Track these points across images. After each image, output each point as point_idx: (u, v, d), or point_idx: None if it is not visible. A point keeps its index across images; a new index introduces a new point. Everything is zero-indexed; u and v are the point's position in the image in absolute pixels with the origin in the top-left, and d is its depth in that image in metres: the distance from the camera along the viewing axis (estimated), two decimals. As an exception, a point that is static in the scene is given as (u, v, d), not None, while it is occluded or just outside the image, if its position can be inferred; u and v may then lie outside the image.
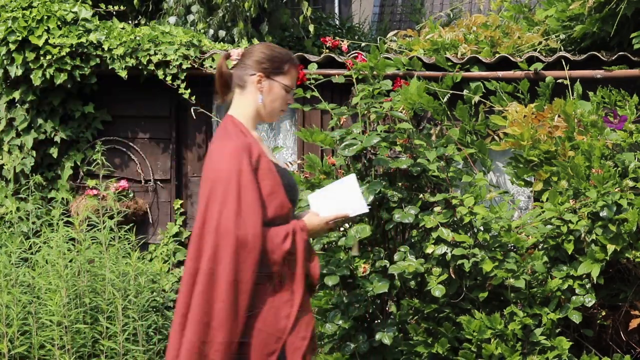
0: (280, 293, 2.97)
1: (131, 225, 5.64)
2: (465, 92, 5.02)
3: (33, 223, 5.79)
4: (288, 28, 7.07)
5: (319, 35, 6.97)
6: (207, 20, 6.37)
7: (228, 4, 6.31)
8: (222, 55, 3.17)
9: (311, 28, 6.65)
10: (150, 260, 5.84)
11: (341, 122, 4.48)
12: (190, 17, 6.38)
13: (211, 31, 6.34)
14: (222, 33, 6.37)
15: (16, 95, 5.89)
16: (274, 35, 6.70)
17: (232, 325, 2.88)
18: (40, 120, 5.95)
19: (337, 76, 4.51)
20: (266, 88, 3.08)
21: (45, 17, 5.73)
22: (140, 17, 6.67)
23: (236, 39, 6.30)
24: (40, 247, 5.31)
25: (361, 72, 4.40)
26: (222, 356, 2.88)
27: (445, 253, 4.12)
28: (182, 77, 5.72)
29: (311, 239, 3.16)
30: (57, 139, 5.96)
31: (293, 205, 3.08)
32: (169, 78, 5.71)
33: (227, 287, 2.86)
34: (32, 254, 5.32)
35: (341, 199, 3.11)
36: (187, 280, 2.95)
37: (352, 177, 3.13)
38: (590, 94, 4.70)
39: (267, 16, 6.58)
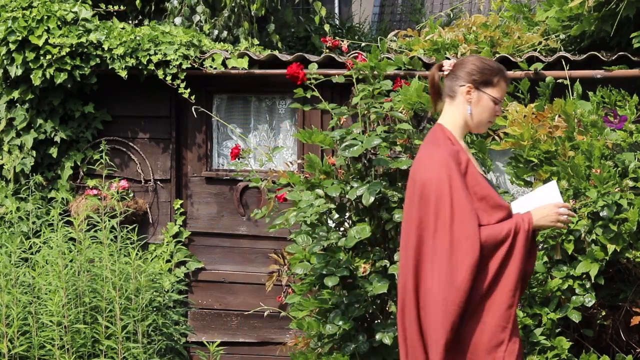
0: (501, 286, 3.03)
1: (134, 226, 5.64)
2: (465, 92, 5.01)
3: (33, 223, 5.79)
4: (289, 28, 7.09)
5: (320, 34, 7.00)
6: (213, 20, 6.38)
7: (234, 4, 6.32)
8: (435, 66, 3.24)
9: (327, 28, 6.72)
10: (151, 260, 5.84)
11: (341, 122, 4.47)
12: (196, 18, 6.38)
13: (216, 31, 6.35)
14: (226, 33, 6.38)
15: (16, 95, 5.89)
16: (280, 34, 6.72)
17: (447, 323, 2.96)
18: (40, 120, 5.95)
19: (337, 76, 4.50)
20: (475, 99, 3.14)
21: (45, 17, 5.73)
22: (142, 18, 6.68)
23: (241, 39, 6.30)
24: (40, 247, 5.31)
25: (361, 72, 4.40)
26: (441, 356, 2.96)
27: (445, 253, 4.11)
28: (182, 77, 5.72)
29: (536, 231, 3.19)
30: (57, 138, 5.96)
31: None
32: (169, 78, 5.71)
33: (443, 287, 2.96)
34: (32, 254, 5.33)
35: (545, 204, 3.16)
36: (404, 281, 3.07)
37: (553, 184, 3.19)
38: (590, 94, 4.69)
39: (273, 15, 6.59)
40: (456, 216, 2.97)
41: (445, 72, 3.21)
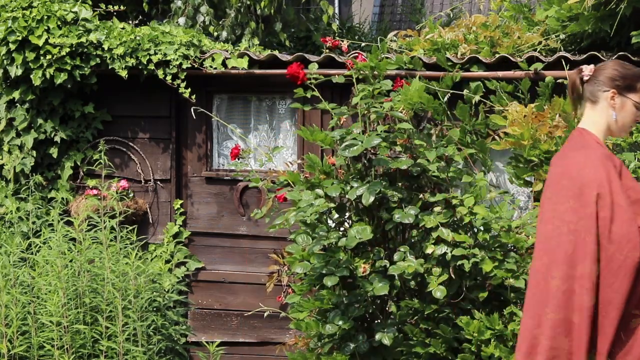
0: None
1: (133, 226, 5.64)
2: (465, 91, 5.01)
3: (33, 223, 5.79)
4: (290, 27, 7.10)
5: (326, 33, 7.02)
6: (220, 22, 6.38)
7: (240, 4, 6.33)
8: (575, 71, 3.27)
9: (334, 27, 6.74)
10: (151, 260, 5.84)
11: (341, 122, 4.47)
12: (200, 18, 6.39)
13: (224, 33, 6.35)
14: (232, 33, 6.39)
15: (16, 95, 5.89)
16: (287, 33, 6.73)
17: (610, 329, 2.97)
18: (40, 120, 5.95)
19: (337, 76, 4.50)
20: (619, 105, 3.17)
21: (45, 17, 5.73)
22: (144, 18, 6.68)
23: (246, 39, 6.30)
24: (39, 247, 5.31)
25: (361, 72, 4.40)
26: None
27: (445, 253, 4.12)
28: (182, 77, 5.72)
29: None
30: (57, 139, 5.96)
31: None
32: (169, 78, 5.71)
33: (602, 289, 2.96)
34: (31, 254, 5.33)
35: None
36: (557, 286, 3.02)
37: None
38: (591, 93, 4.68)
39: (279, 14, 6.60)
40: (616, 218, 2.97)
41: (586, 78, 3.23)
